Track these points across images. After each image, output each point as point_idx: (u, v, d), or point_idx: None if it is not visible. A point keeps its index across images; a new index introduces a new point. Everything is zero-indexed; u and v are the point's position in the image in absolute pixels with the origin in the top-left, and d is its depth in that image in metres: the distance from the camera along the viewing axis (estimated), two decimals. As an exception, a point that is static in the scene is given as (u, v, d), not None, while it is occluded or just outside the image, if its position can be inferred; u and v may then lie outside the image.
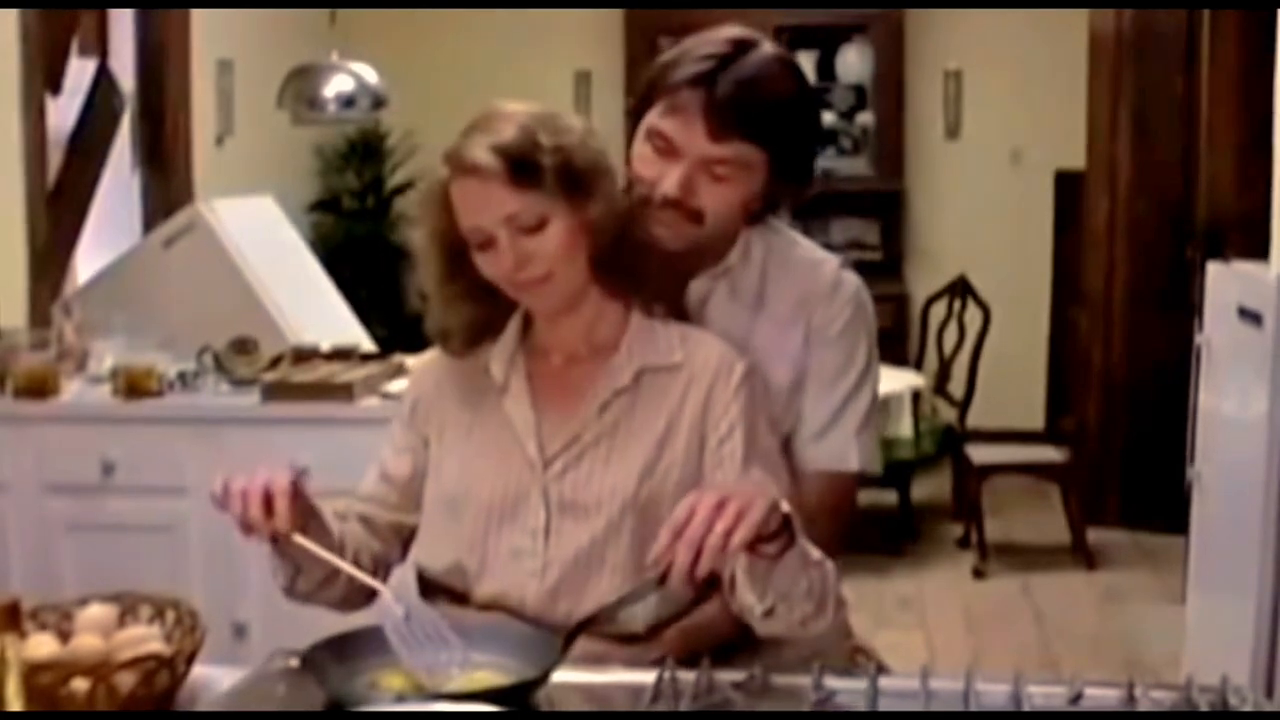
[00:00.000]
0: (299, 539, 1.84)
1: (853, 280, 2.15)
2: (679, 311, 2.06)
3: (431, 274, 2.02)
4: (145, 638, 1.68)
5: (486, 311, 2.02)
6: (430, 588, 2.03)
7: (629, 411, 1.96)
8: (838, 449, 2.09)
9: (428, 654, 1.71)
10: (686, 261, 2.06)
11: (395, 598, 1.77)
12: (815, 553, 1.81)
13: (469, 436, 2.02)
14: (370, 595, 1.90)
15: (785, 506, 1.72)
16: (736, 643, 1.92)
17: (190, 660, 1.68)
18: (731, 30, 2.07)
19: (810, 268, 2.13)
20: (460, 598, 1.98)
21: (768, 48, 2.06)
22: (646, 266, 2.00)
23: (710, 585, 1.85)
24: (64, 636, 1.69)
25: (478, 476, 1.99)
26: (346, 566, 1.89)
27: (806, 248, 2.18)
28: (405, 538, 2.09)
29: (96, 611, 1.74)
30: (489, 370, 2.03)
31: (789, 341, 2.08)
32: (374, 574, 1.99)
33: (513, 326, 2.04)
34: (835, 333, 2.09)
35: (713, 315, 2.08)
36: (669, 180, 1.99)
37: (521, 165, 1.89)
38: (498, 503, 1.97)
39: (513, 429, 1.99)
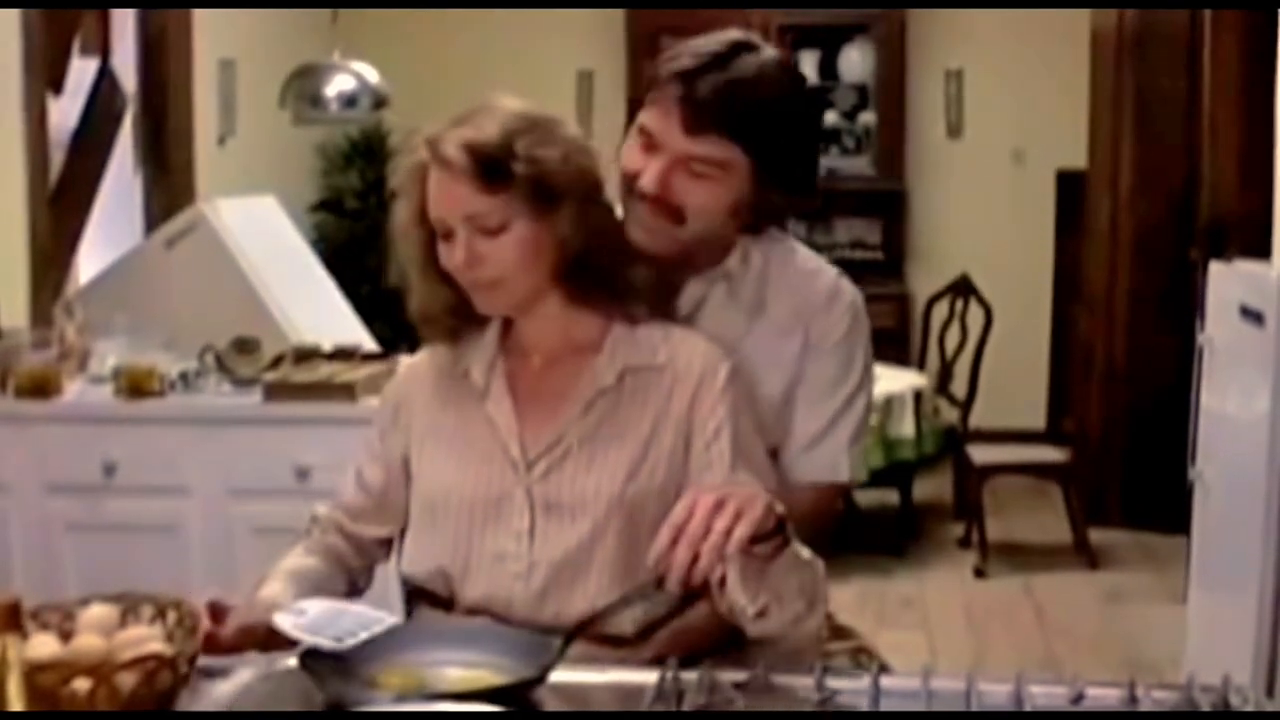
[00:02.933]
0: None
1: (850, 290, 2.12)
2: (666, 318, 2.03)
3: (413, 251, 1.99)
4: (146, 638, 1.68)
5: (464, 298, 1.98)
6: (414, 594, 2.04)
7: (613, 412, 1.95)
8: (829, 460, 2.07)
9: (334, 627, 1.73)
10: (674, 272, 2.04)
11: (284, 611, 1.77)
12: (805, 552, 1.82)
13: (451, 441, 2.00)
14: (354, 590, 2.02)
15: (779, 508, 1.73)
16: (723, 645, 1.92)
17: (192, 661, 1.68)
18: (733, 33, 2.05)
19: (809, 277, 2.11)
20: (445, 603, 1.98)
21: (768, 52, 2.04)
22: (622, 280, 1.97)
23: (699, 588, 1.85)
24: (65, 636, 1.69)
25: (459, 479, 1.97)
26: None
27: (806, 256, 2.14)
28: (388, 544, 2.10)
29: (98, 611, 1.74)
30: (469, 374, 2.01)
31: (785, 350, 2.06)
32: (354, 586, 2.06)
33: (493, 329, 2.02)
34: (832, 343, 2.08)
35: (707, 318, 2.06)
36: (647, 175, 1.97)
37: (491, 168, 1.87)
38: (480, 505, 1.96)
39: (495, 431, 1.97)
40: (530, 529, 1.93)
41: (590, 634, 1.83)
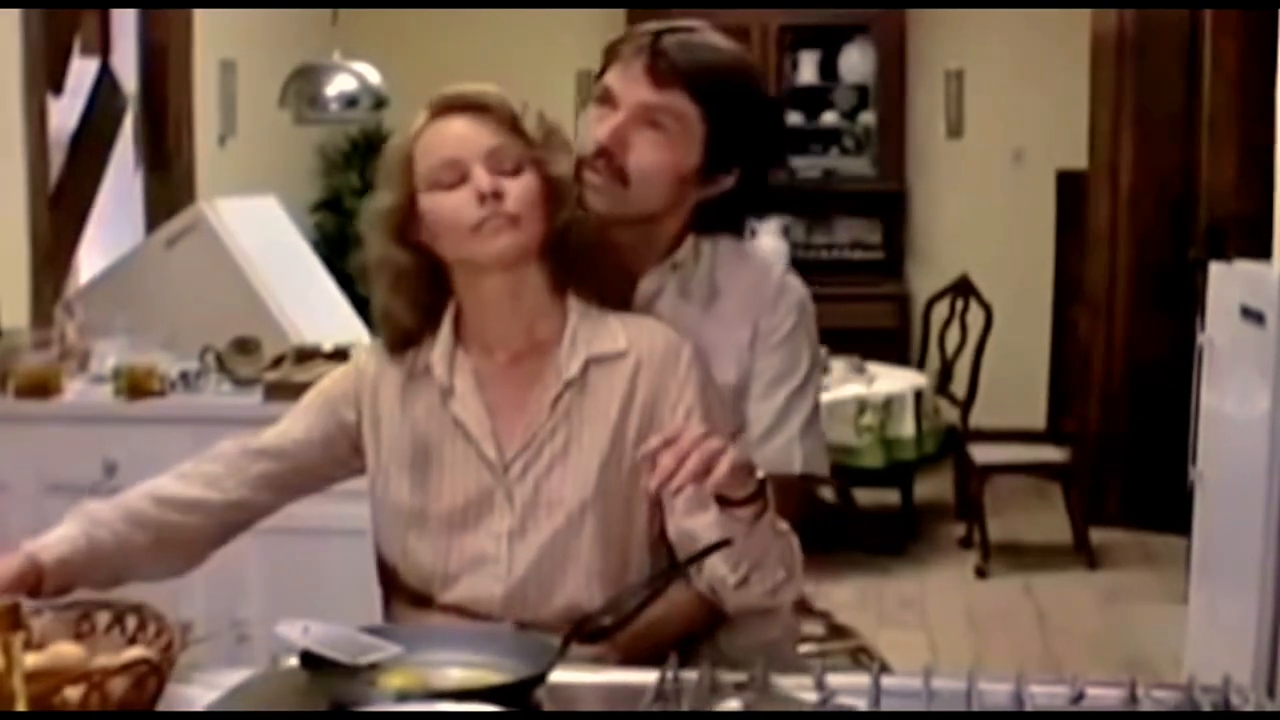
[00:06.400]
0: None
1: (797, 286, 2.14)
2: (624, 308, 2.04)
3: (380, 239, 1.99)
4: (118, 644, 1.67)
5: (430, 296, 1.99)
6: (393, 588, 2.04)
7: (579, 402, 1.95)
8: (781, 452, 2.07)
9: (356, 646, 1.72)
10: (632, 257, 2.06)
11: (286, 626, 1.76)
12: (782, 524, 1.84)
13: (413, 443, 1.99)
14: (179, 563, 1.96)
15: (760, 473, 1.75)
16: (693, 638, 1.95)
17: (172, 665, 1.67)
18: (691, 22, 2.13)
19: (757, 273, 2.13)
20: (423, 600, 1.98)
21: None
22: (594, 260, 1.99)
23: (668, 575, 1.88)
24: (26, 645, 1.65)
25: (435, 485, 1.97)
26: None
27: (751, 251, 2.18)
28: (280, 489, 2.04)
29: (57, 620, 1.72)
30: (430, 372, 1.99)
31: (736, 342, 2.08)
32: (236, 518, 2.03)
33: (446, 326, 2.00)
34: (780, 338, 2.09)
35: (663, 310, 2.07)
36: (604, 127, 2.01)
37: (512, 114, 1.94)
38: (460, 509, 1.95)
39: (466, 433, 1.96)
40: (509, 530, 1.94)
41: (568, 629, 1.83)
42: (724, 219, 2.12)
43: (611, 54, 2.08)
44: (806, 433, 2.09)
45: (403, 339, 2.02)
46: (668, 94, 2.01)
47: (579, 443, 1.94)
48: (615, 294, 2.03)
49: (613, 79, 2.04)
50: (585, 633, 1.83)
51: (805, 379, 2.11)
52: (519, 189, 1.91)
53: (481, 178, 1.90)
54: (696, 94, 2.01)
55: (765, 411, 2.08)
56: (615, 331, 1.98)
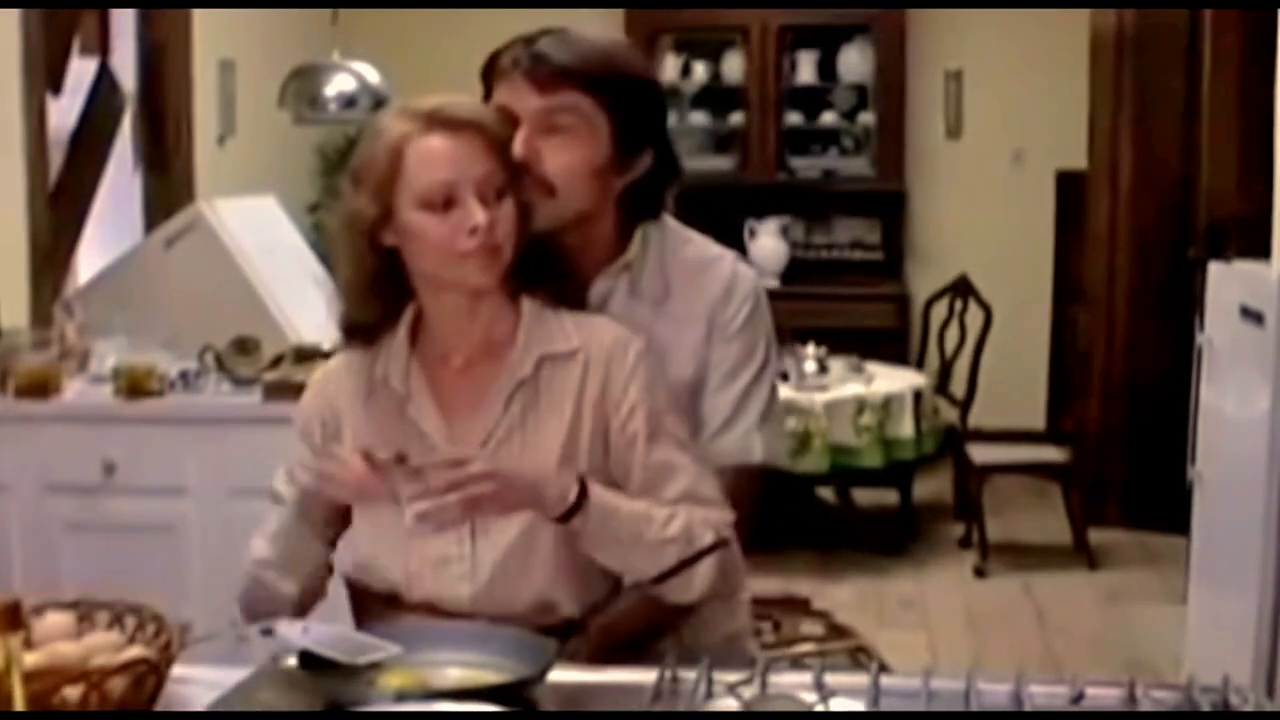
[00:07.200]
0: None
1: (749, 276, 2.17)
2: (579, 309, 2.06)
3: (349, 241, 1.98)
4: (117, 643, 1.67)
5: (389, 299, 2.00)
6: (359, 593, 2.04)
7: (534, 401, 1.97)
8: (741, 442, 2.10)
9: (355, 646, 1.73)
10: (576, 261, 2.07)
11: (287, 624, 1.78)
12: (669, 531, 1.90)
13: (376, 451, 1.98)
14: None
15: (572, 497, 1.85)
16: (655, 632, 1.99)
17: (170, 664, 1.67)
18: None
19: (705, 267, 2.14)
20: (391, 600, 1.99)
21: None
22: (547, 265, 2.01)
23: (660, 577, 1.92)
24: (25, 644, 1.65)
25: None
26: None
27: (699, 244, 2.19)
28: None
29: (56, 619, 1.72)
30: (387, 381, 2.01)
31: (690, 337, 2.10)
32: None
33: (400, 335, 2.02)
34: (735, 329, 2.11)
35: (615, 311, 2.08)
36: (515, 144, 2.00)
37: (501, 137, 1.95)
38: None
39: (423, 436, 1.97)
40: (471, 530, 1.94)
41: (538, 624, 1.87)
42: (651, 200, 2.13)
43: (490, 76, 2.08)
44: (765, 421, 2.12)
45: (359, 333, 2.04)
46: (558, 95, 2.02)
47: (534, 440, 1.95)
48: (569, 295, 2.04)
49: (501, 97, 2.04)
50: (555, 629, 1.84)
51: (761, 368, 2.13)
52: (504, 218, 1.93)
53: (476, 210, 1.91)
54: (586, 86, 2.02)
55: (723, 402, 2.10)
56: (568, 331, 2.00)
